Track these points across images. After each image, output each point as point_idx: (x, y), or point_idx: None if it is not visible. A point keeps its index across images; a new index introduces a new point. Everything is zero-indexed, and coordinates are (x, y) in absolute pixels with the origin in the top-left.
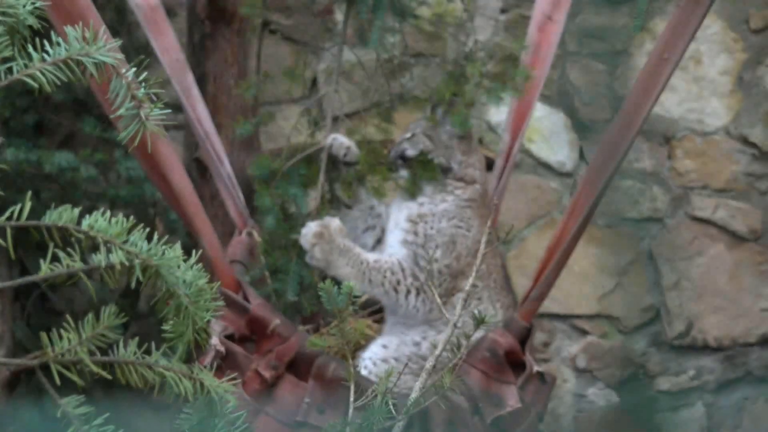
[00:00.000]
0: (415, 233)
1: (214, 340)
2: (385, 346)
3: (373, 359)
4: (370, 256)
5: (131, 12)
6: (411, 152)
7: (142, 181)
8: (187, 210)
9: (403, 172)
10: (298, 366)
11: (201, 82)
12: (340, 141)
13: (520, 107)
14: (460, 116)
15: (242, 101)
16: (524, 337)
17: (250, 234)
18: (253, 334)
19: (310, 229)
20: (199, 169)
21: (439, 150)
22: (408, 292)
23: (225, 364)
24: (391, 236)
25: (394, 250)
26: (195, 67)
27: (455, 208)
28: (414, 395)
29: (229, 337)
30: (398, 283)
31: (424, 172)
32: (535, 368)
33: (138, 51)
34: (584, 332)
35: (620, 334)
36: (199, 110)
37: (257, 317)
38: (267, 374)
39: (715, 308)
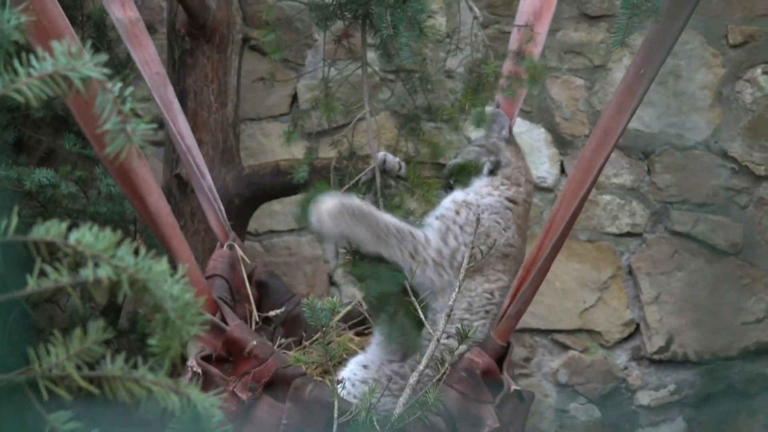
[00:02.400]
0: (457, 212)
1: (191, 361)
2: (365, 367)
3: (352, 380)
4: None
5: (110, 28)
6: (457, 160)
7: (122, 198)
8: (163, 231)
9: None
10: (276, 387)
11: (181, 97)
12: (391, 157)
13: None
14: (477, 115)
15: (222, 117)
16: (501, 356)
17: (231, 247)
18: (230, 355)
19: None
20: (180, 185)
21: (488, 155)
22: (425, 263)
23: (202, 385)
24: (430, 216)
25: (430, 220)
26: (175, 83)
27: (499, 206)
28: (398, 411)
29: (207, 358)
30: (415, 250)
31: (467, 176)
32: (513, 387)
33: (117, 68)
34: (565, 347)
35: (601, 349)
36: (180, 124)
37: (234, 339)
38: (244, 396)
39: (696, 322)
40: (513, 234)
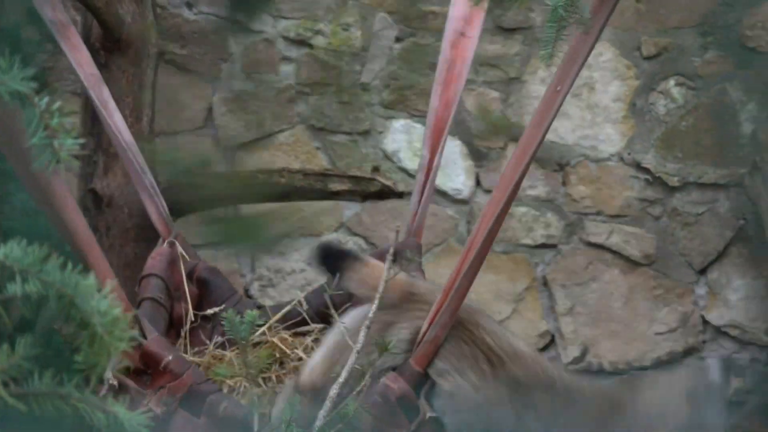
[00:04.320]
0: None
1: (108, 374)
2: None
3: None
4: None
5: (25, 43)
6: None
7: (37, 214)
8: (80, 246)
9: None
10: (192, 402)
11: (96, 113)
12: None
13: (437, 124)
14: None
15: (138, 131)
16: (418, 383)
17: (172, 244)
18: (147, 368)
19: None
20: (95, 200)
21: None
22: None
23: (117, 398)
24: None
25: None
26: (90, 99)
27: None
28: (318, 423)
29: (125, 371)
30: None
31: None
32: (429, 414)
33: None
34: None
35: None
36: (117, 121)
37: (150, 353)
38: (159, 410)
39: (610, 333)
40: None
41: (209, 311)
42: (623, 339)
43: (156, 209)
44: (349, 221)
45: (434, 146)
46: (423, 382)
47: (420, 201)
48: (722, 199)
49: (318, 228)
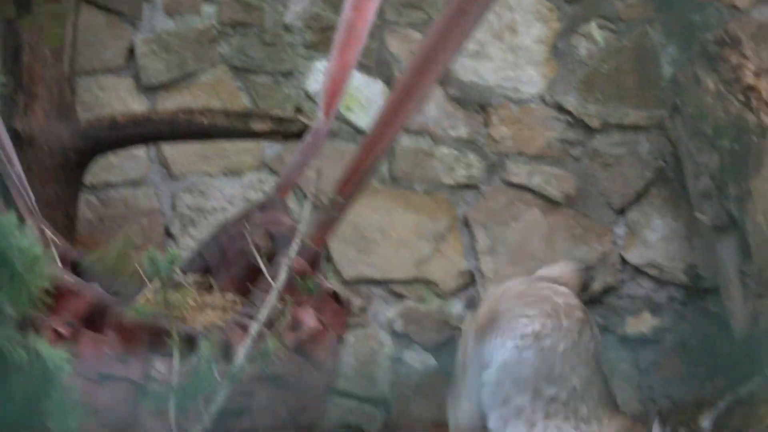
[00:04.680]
0: None
1: (9, 309)
2: None
3: None
4: None
5: None
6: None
7: None
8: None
9: None
10: (95, 320)
11: (17, 52)
12: None
13: (333, 87)
14: None
15: (58, 72)
16: (314, 259)
17: (42, 230)
18: (47, 296)
19: None
20: (16, 140)
21: None
22: None
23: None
24: None
25: None
26: (10, 38)
27: None
28: (239, 361)
29: None
30: None
31: None
32: (329, 288)
33: None
34: (401, 297)
35: (437, 298)
36: None
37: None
38: (64, 331)
39: (530, 272)
40: None
41: None
42: None
43: (23, 201)
44: (271, 161)
45: (329, 109)
46: (319, 259)
47: (302, 162)
48: (642, 141)
49: (239, 167)
